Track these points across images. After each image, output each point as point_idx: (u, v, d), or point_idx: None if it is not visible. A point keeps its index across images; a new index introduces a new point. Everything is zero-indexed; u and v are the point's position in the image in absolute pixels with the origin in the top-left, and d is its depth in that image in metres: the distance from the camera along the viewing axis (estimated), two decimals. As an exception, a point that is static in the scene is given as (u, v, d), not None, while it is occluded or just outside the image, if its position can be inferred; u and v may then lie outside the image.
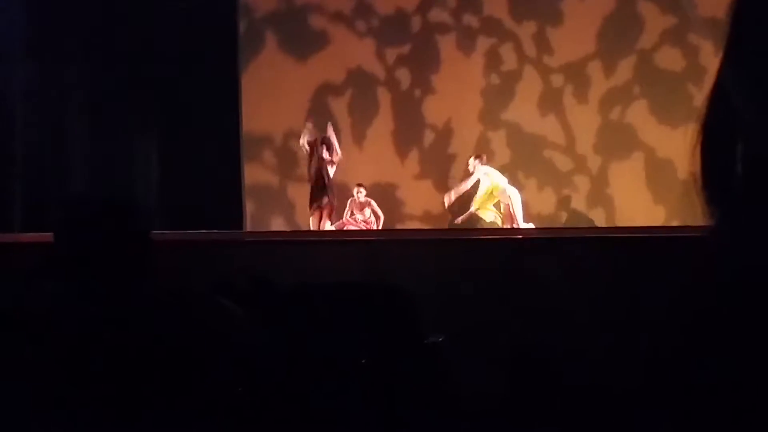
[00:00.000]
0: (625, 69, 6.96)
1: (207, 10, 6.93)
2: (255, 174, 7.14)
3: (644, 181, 6.94)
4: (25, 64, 6.70)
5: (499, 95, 7.00)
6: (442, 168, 7.02)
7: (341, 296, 2.55)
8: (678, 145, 6.65)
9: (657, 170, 6.88)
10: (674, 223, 6.68)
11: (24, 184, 6.98)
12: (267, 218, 7.13)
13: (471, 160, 6.54)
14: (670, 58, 6.91)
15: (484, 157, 6.53)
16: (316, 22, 7.08)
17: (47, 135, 6.99)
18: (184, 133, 6.98)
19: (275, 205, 7.11)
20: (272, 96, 7.06)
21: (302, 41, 7.07)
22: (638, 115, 6.95)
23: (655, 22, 6.93)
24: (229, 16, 7.09)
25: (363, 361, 2.23)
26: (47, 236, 1.57)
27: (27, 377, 1.37)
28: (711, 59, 6.67)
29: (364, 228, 6.52)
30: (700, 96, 6.58)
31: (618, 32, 6.93)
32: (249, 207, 7.13)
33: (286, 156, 7.09)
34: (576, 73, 6.97)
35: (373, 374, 2.22)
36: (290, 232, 6.97)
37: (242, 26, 7.11)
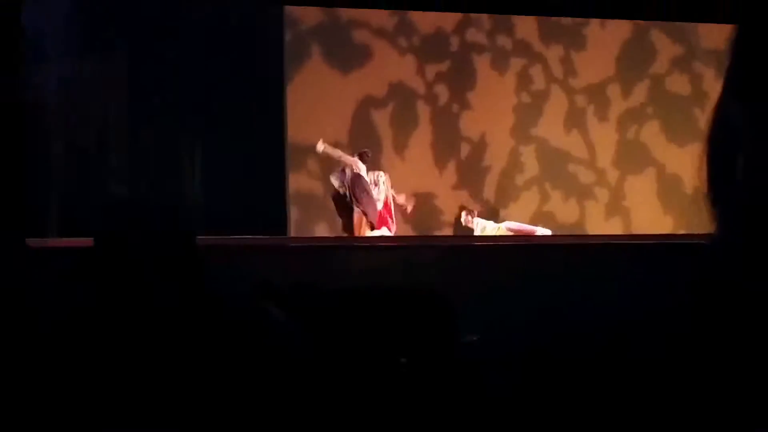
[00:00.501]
0: (639, 92, 6.86)
1: (254, 19, 6.26)
2: (299, 182, 6.53)
3: (655, 194, 6.84)
4: (73, 66, 5.81)
5: (529, 112, 6.73)
6: (477, 179, 6.68)
7: (380, 299, 2.42)
8: (685, 162, 6.60)
9: (666, 184, 6.82)
10: (681, 232, 6.62)
11: (62, 188, 6.12)
12: (310, 225, 6.52)
13: (463, 216, 6.32)
14: (679, 83, 6.86)
15: (475, 211, 6.34)
16: (360, 36, 6.55)
17: (92, 139, 6.12)
18: (230, 141, 6.29)
19: (318, 212, 6.52)
20: (317, 107, 6.49)
21: (346, 55, 6.52)
22: (651, 134, 6.87)
23: (666, 50, 6.86)
24: (275, 27, 6.43)
25: (402, 360, 2.12)
26: (85, 241, 1.42)
27: (66, 382, 1.30)
28: (713, 85, 6.64)
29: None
30: (703, 118, 6.53)
31: (634, 58, 6.82)
32: (293, 214, 6.51)
33: (330, 165, 6.50)
34: (597, 94, 6.81)
35: (411, 373, 2.11)
36: (333, 238, 6.42)
37: (288, 37, 6.45)
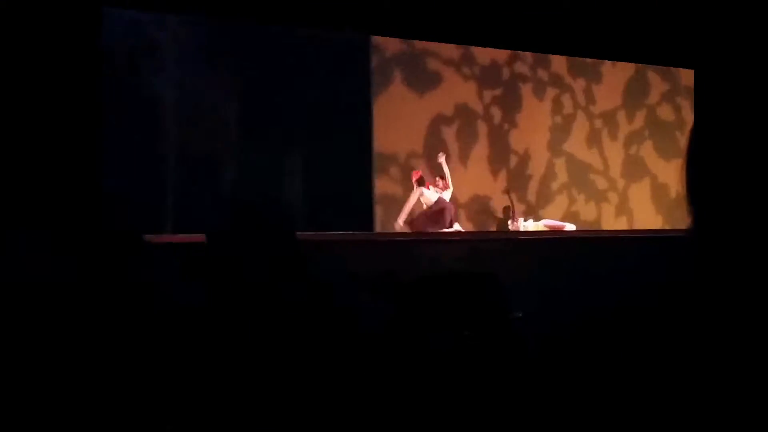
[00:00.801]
0: (639, 118, 8.13)
1: (346, 47, 6.88)
2: (383, 186, 7.18)
3: (650, 198, 8.16)
4: (194, 83, 6.19)
5: (560, 132, 7.80)
6: (522, 185, 7.64)
7: (448, 283, 2.61)
8: (671, 174, 7.99)
9: (658, 191, 8.15)
10: (667, 227, 7.97)
11: (178, 189, 6.39)
12: (392, 221, 7.18)
13: (509, 223, 7.28)
14: (666, 112, 8.23)
15: (517, 217, 7.32)
16: (432, 64, 7.32)
17: (206, 147, 6.45)
18: (326, 152, 6.84)
19: (399, 211, 7.18)
20: (398, 122, 7.18)
21: (421, 79, 7.27)
22: (648, 151, 8.17)
23: (658, 86, 8.20)
24: (364, 54, 7.05)
25: (466, 333, 2.30)
26: (198, 237, 1.53)
27: (185, 370, 1.30)
28: (689, 114, 8.08)
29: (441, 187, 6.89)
30: (683, 139, 8.16)
31: (636, 91, 8.10)
32: (378, 212, 7.15)
33: (408, 172, 7.23)
34: (609, 119, 8.01)
35: (473, 343, 2.29)
36: (411, 233, 7.10)
37: (374, 62, 7.10)
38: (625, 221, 8.10)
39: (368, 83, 7.13)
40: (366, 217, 7.08)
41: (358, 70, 7.06)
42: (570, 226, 7.47)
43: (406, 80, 7.26)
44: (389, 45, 7.21)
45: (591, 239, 6.65)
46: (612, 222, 8.02)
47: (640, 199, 8.15)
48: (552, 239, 6.89)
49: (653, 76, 8.23)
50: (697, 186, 0.57)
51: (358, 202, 7.05)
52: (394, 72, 7.23)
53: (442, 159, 6.90)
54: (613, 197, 8.09)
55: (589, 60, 7.89)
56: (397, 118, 7.19)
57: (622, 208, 8.12)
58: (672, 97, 8.30)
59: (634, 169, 8.16)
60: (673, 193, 8.12)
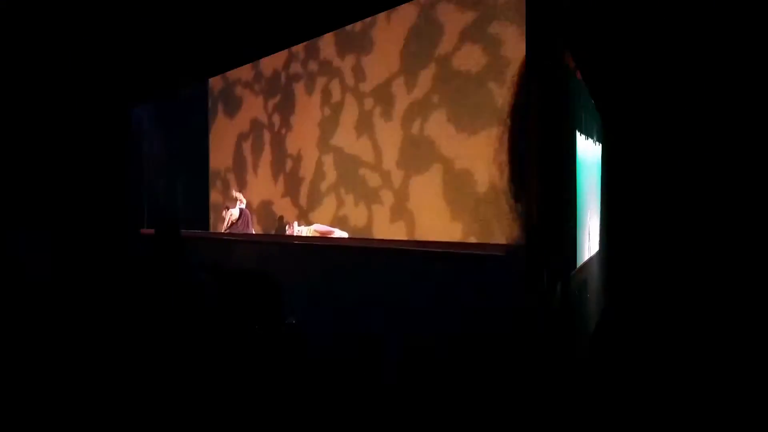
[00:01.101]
0: (424, 80, 2.95)
1: (191, 92, 4.89)
2: (213, 196, 4.80)
3: (442, 195, 2.84)
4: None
5: (329, 124, 3.59)
6: (296, 188, 3.85)
7: (244, 278, 1.81)
8: (478, 154, 2.52)
9: (454, 184, 2.75)
10: (471, 239, 2.56)
11: (148, 197, 5.75)
12: (219, 225, 4.74)
13: (287, 228, 3.79)
14: (469, 58, 2.71)
15: (292, 222, 3.74)
16: (237, 90, 4.47)
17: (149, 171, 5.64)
18: (187, 173, 5.01)
19: (218, 217, 4.68)
20: (220, 145, 4.67)
21: (230, 105, 4.53)
22: (437, 125, 2.90)
23: (454, 22, 2.78)
24: (203, 96, 4.90)
25: (256, 327, 1.61)
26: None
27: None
28: (516, 46, 2.36)
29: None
30: (501, 93, 2.31)
31: (419, 44, 2.96)
32: (211, 217, 4.82)
33: (226, 184, 4.62)
34: (382, 94, 3.20)
35: (262, 336, 1.56)
36: (219, 233, 4.50)
37: (210, 102, 4.82)
38: (403, 228, 3.12)
39: (206, 118, 4.99)
40: (204, 221, 4.99)
41: (201, 110, 5.03)
42: (340, 233, 3.42)
43: (224, 109, 4.75)
44: (216, 84, 4.86)
45: (342, 248, 2.92)
46: (385, 229, 3.22)
47: (424, 196, 2.99)
48: (315, 246, 3.37)
49: (446, 9, 2.87)
50: (533, 166, 0.18)
51: (199, 209, 5.04)
52: (218, 105, 4.82)
53: (233, 194, 4.32)
54: (387, 196, 3.23)
55: (358, 26, 3.39)
56: (220, 141, 4.79)
57: (399, 210, 3.15)
58: (481, 29, 2.70)
59: (417, 155, 3.04)
60: (480, 185, 2.66)
